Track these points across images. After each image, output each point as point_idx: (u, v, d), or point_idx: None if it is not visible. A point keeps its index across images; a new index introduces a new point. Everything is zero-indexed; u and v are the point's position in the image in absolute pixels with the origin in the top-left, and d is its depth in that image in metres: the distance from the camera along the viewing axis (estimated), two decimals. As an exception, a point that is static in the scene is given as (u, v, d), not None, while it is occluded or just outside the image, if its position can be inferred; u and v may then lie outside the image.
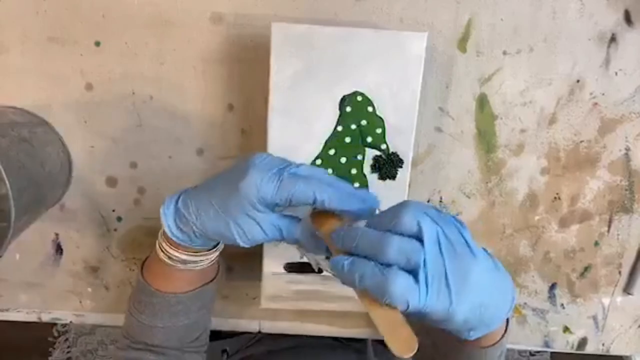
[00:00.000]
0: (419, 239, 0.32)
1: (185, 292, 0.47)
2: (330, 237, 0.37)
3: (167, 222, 0.41)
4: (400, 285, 0.31)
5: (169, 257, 0.44)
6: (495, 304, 0.35)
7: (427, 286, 0.32)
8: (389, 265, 0.32)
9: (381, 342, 0.73)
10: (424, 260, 0.32)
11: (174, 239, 0.42)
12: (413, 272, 0.32)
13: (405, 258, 0.32)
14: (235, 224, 0.38)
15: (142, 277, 0.47)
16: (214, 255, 0.46)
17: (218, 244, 0.46)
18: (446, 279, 0.32)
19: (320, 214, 0.39)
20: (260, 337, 0.72)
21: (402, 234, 0.33)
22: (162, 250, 0.44)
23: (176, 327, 0.48)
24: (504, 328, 0.44)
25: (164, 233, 0.43)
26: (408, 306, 0.31)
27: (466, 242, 0.34)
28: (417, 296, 0.32)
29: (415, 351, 0.31)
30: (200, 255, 0.44)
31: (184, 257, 0.43)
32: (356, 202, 0.38)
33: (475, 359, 0.44)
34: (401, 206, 0.34)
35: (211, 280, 0.49)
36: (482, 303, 0.34)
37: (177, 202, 0.41)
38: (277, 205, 0.38)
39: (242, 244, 0.40)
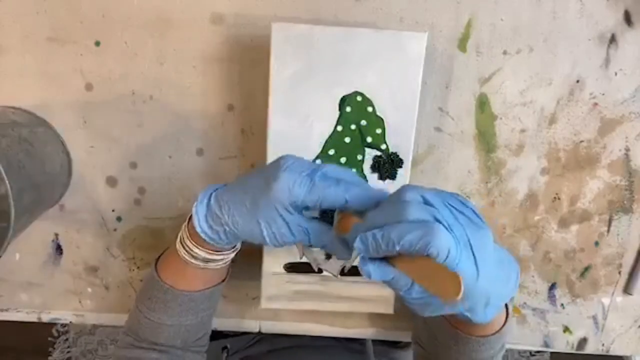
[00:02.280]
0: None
1: (198, 290, 0.47)
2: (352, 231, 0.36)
3: (199, 219, 0.41)
4: (443, 234, 0.31)
5: (192, 256, 0.44)
6: (502, 281, 0.34)
7: (457, 244, 0.31)
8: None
9: (381, 342, 0.74)
10: (448, 224, 0.32)
11: (203, 235, 0.41)
12: None
13: (429, 215, 0.32)
14: (266, 224, 0.38)
15: (156, 273, 0.47)
16: (233, 254, 0.46)
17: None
18: (470, 246, 0.32)
19: (345, 216, 0.39)
20: (261, 338, 0.73)
21: None
22: (184, 248, 0.44)
23: (183, 326, 0.48)
24: (504, 317, 0.44)
25: (189, 231, 0.43)
26: (447, 255, 0.31)
27: (474, 211, 0.33)
28: (455, 246, 0.31)
29: (463, 290, 0.30)
30: (222, 254, 0.45)
31: (206, 255, 0.43)
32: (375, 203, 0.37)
33: (477, 349, 0.44)
34: (399, 189, 0.35)
35: (222, 281, 0.50)
36: (497, 276, 0.33)
37: (209, 199, 0.41)
38: (306, 208, 0.39)
39: (270, 244, 0.40)
